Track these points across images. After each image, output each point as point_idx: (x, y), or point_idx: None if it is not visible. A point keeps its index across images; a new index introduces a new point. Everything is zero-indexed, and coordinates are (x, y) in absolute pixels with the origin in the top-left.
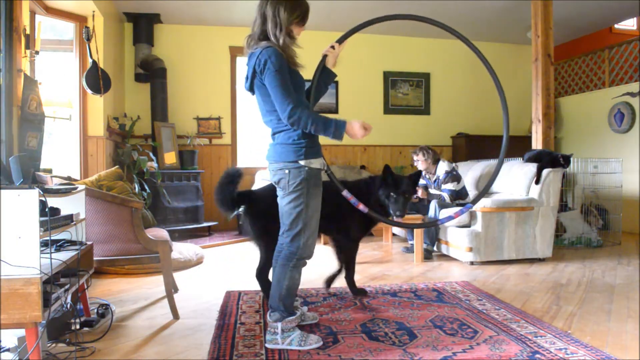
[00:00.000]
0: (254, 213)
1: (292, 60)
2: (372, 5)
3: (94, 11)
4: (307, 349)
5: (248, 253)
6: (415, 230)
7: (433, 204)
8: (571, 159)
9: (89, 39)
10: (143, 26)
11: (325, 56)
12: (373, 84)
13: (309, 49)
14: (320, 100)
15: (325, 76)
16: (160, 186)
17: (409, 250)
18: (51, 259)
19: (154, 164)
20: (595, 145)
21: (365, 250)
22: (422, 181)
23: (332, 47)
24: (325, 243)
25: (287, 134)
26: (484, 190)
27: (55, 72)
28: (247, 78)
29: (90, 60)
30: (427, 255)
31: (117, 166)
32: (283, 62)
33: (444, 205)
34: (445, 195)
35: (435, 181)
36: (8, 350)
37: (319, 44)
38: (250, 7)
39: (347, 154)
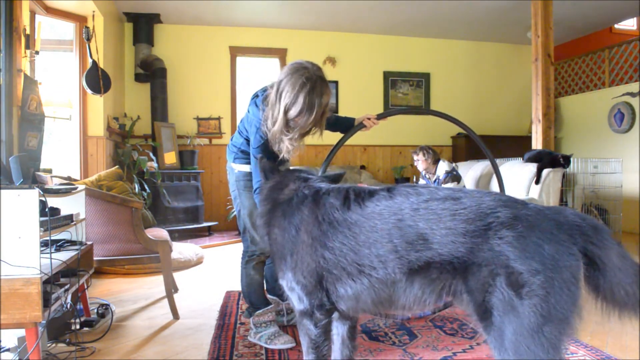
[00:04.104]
0: None
1: None
2: (371, 5)
3: (94, 11)
4: (272, 347)
5: None
6: None
7: None
8: (571, 159)
9: (89, 39)
10: (143, 26)
11: (362, 125)
12: (373, 84)
13: (310, 49)
14: None
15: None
16: (160, 186)
17: None
18: (51, 259)
19: (154, 164)
20: (595, 145)
21: None
22: (422, 181)
23: (369, 119)
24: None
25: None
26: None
27: (55, 72)
28: None
29: (90, 60)
30: None
31: (117, 166)
32: None
33: None
34: None
35: (435, 181)
36: (8, 350)
37: (319, 44)
38: (250, 7)
39: (347, 154)
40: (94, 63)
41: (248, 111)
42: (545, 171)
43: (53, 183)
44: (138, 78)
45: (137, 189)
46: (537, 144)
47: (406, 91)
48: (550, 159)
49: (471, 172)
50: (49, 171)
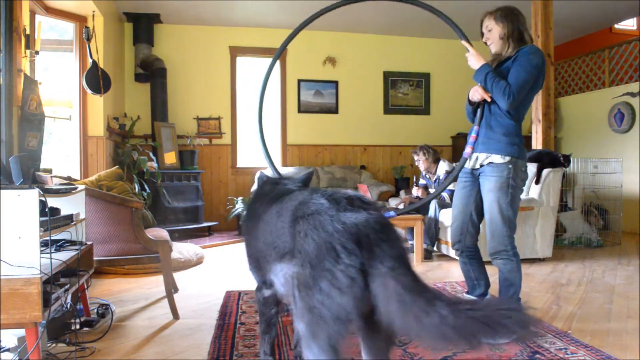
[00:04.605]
0: None
1: None
2: (371, 5)
3: (94, 11)
4: None
5: None
6: (415, 230)
7: (433, 204)
8: (571, 158)
9: (89, 39)
10: (143, 26)
11: None
12: (373, 84)
13: (310, 49)
14: (321, 100)
15: None
16: (160, 186)
17: (409, 250)
18: (51, 259)
19: (154, 164)
20: (595, 145)
21: None
22: (422, 181)
23: None
24: None
25: None
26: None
27: (55, 72)
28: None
29: (90, 60)
30: (427, 256)
31: (117, 166)
32: None
33: (444, 205)
34: (445, 195)
35: (435, 181)
36: (8, 350)
37: (319, 44)
38: (250, 7)
39: (347, 154)
40: (94, 63)
41: None
42: (545, 171)
43: (53, 183)
44: (138, 78)
45: (137, 189)
46: (537, 144)
47: (406, 91)
48: (550, 159)
49: None
50: (49, 171)
